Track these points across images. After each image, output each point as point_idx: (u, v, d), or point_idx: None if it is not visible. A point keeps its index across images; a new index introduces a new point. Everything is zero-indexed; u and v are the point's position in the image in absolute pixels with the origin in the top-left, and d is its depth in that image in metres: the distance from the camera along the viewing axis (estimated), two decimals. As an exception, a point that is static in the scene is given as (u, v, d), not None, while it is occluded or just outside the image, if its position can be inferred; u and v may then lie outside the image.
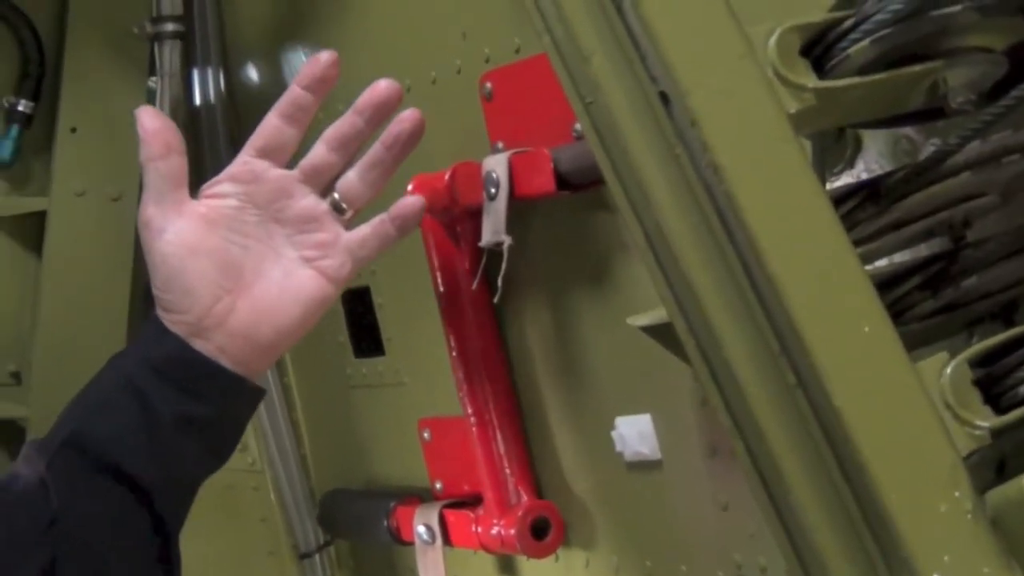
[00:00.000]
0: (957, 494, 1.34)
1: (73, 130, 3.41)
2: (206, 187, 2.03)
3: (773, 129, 1.41)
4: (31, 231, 3.44)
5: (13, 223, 3.42)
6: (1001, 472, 1.40)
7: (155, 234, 1.95)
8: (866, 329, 1.36)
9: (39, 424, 3.30)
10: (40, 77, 3.42)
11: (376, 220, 2.12)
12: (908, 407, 1.35)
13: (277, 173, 2.05)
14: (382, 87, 2.10)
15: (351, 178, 2.10)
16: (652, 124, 1.49)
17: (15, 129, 3.38)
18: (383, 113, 2.11)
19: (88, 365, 3.30)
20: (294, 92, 2.13)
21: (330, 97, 3.30)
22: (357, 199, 2.12)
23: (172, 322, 1.95)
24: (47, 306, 3.36)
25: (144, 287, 3.56)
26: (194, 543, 3.71)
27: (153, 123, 1.96)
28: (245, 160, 2.05)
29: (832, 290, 1.38)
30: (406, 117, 2.10)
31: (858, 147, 2.14)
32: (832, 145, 2.17)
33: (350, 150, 2.12)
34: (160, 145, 1.97)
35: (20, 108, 3.39)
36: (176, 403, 1.91)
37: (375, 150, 2.11)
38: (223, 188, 2.02)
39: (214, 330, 1.95)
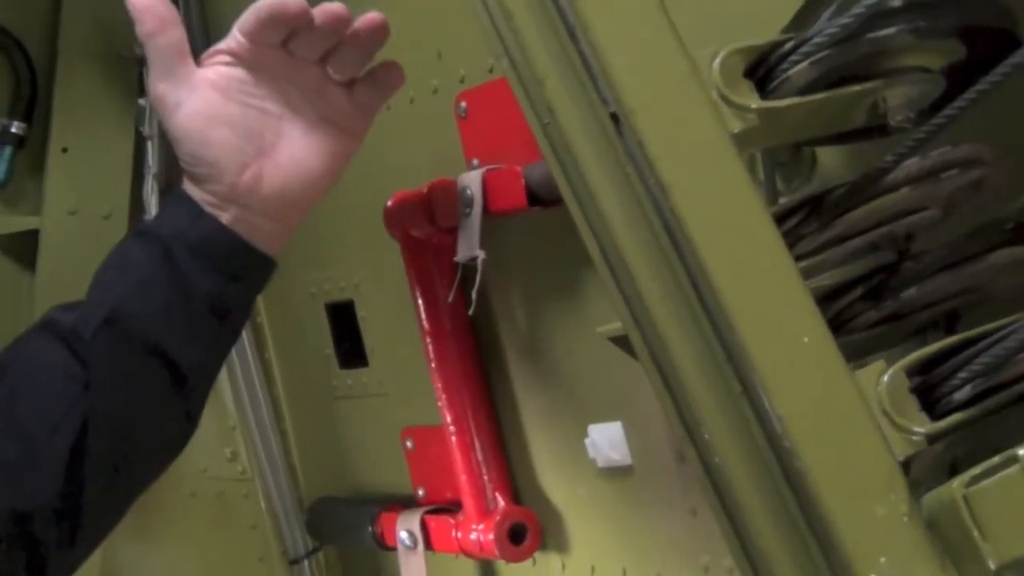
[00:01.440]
0: (894, 498, 1.35)
1: (64, 150, 3.41)
2: (206, 56, 1.94)
3: (717, 148, 1.43)
4: (24, 249, 3.43)
5: (6, 241, 3.42)
6: (953, 475, 1.40)
7: (171, 109, 1.86)
8: (805, 339, 1.37)
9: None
10: (32, 99, 3.42)
11: (372, 72, 2.03)
12: (846, 414, 1.37)
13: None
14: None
15: (341, 53, 2.00)
16: (604, 144, 1.50)
17: (8, 150, 3.37)
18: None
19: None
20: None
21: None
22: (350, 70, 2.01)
23: (205, 192, 1.90)
24: None
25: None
26: (186, 549, 3.76)
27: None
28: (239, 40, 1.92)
29: (772, 302, 1.39)
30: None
31: (814, 163, 2.15)
32: (790, 162, 2.18)
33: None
34: (153, 19, 1.84)
35: (13, 129, 3.38)
36: (212, 283, 1.88)
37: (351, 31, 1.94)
38: (226, 58, 1.93)
39: (248, 195, 1.91)
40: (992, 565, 1.28)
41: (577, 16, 1.48)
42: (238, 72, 1.91)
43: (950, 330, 1.63)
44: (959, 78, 1.55)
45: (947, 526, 1.31)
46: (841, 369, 1.37)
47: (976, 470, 1.30)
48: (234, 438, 3.73)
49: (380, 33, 1.94)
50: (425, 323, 2.92)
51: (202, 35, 3.52)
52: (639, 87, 1.45)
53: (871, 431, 1.37)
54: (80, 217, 3.43)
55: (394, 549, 3.10)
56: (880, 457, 1.36)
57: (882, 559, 1.33)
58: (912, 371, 1.44)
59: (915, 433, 1.40)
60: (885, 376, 1.40)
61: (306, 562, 3.65)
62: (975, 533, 1.28)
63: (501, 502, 2.88)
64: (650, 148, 1.43)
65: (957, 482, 1.30)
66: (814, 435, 1.36)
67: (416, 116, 2.96)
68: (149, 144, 3.48)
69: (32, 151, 3.44)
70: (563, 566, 2.88)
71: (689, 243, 1.42)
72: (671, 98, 1.44)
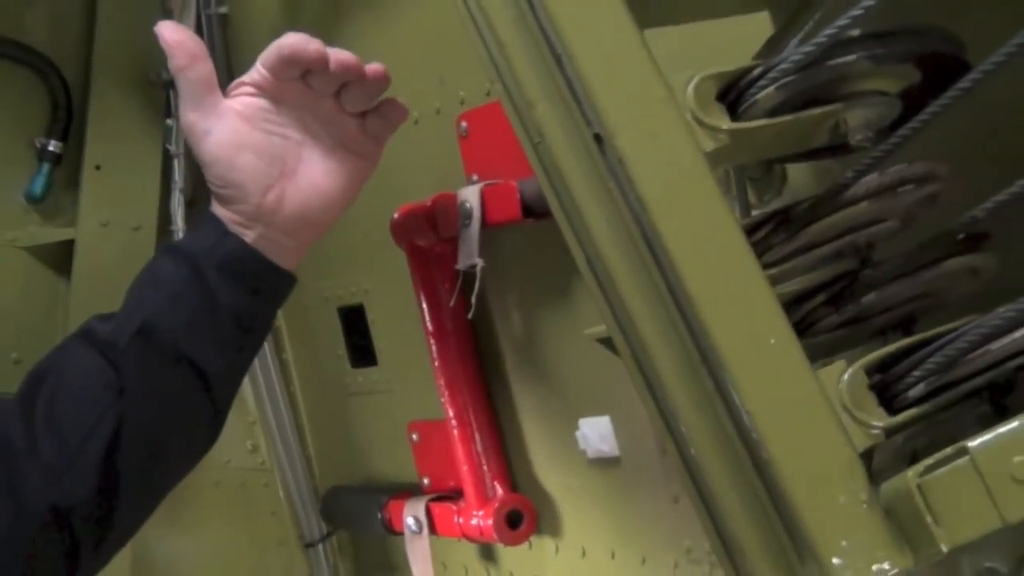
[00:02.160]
0: (853, 486, 1.34)
1: (98, 167, 3.42)
2: (232, 87, 1.96)
3: (691, 166, 1.42)
4: (61, 258, 3.44)
5: (45, 251, 3.42)
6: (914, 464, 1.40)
7: (200, 136, 1.88)
8: (772, 341, 1.37)
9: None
10: (68, 120, 3.43)
11: (380, 106, 2.04)
12: (810, 409, 1.36)
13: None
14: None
15: (350, 91, 2.01)
16: (588, 162, 1.50)
17: (46, 167, 3.39)
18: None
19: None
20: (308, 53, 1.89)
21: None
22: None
23: (231, 212, 1.92)
24: (75, 324, 3.28)
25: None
26: (211, 534, 3.76)
27: (174, 35, 1.86)
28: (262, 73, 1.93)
29: (742, 307, 1.38)
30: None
31: (785, 179, 2.15)
32: (762, 177, 2.19)
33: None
34: (184, 55, 1.87)
35: (50, 148, 3.39)
36: (238, 298, 1.90)
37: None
38: (250, 89, 1.95)
39: (272, 215, 1.92)
40: (944, 548, 1.27)
41: (563, 45, 1.48)
42: (262, 102, 1.93)
43: (907, 332, 1.63)
44: (914, 100, 1.54)
45: (903, 512, 1.30)
46: (805, 368, 1.37)
47: (929, 460, 1.29)
48: (255, 432, 3.74)
49: (383, 81, 1.97)
50: (429, 325, 2.93)
51: (224, 65, 3.59)
52: (620, 110, 1.44)
53: (832, 425, 1.36)
54: (112, 229, 3.44)
55: (401, 534, 3.12)
56: (841, 449, 1.35)
57: (843, 542, 1.33)
58: (871, 370, 1.43)
59: (873, 427, 1.40)
60: (845, 375, 1.40)
61: (321, 546, 3.67)
62: (928, 519, 1.27)
63: (499, 490, 2.90)
64: (630, 166, 1.43)
65: (912, 472, 1.29)
66: (780, 428, 1.36)
67: (420, 135, 2.97)
68: (175, 161, 3.50)
69: (68, 168, 3.45)
70: (556, 549, 2.89)
71: (666, 253, 1.41)
72: (649, 120, 1.43)
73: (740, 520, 1.43)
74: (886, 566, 1.32)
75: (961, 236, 1.55)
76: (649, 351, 1.49)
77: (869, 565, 1.32)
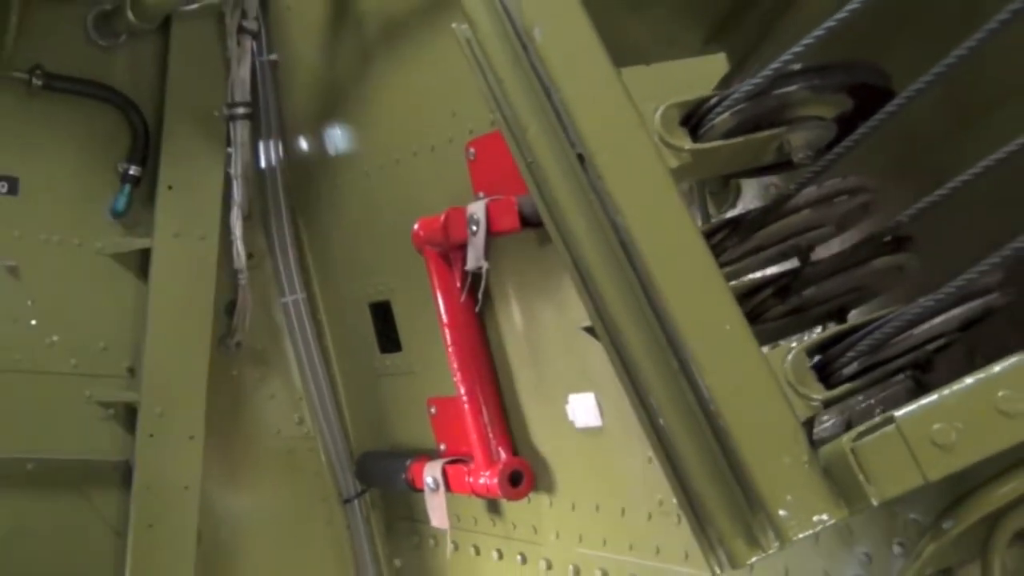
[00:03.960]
0: (797, 449, 1.33)
1: (170, 187, 3.40)
2: None
3: (658, 181, 1.41)
4: (140, 263, 3.42)
5: (127, 258, 3.41)
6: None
7: None
8: (727, 327, 1.36)
9: (147, 405, 3.31)
10: (145, 148, 3.41)
11: None
12: (759, 385, 1.35)
13: None
14: None
15: None
16: (573, 178, 1.49)
17: (127, 188, 3.38)
18: None
19: (182, 363, 3.37)
20: None
21: (356, 161, 3.36)
22: None
23: None
24: (152, 319, 3.34)
25: (226, 304, 3.58)
26: (265, 491, 3.74)
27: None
28: None
29: (702, 299, 1.37)
30: None
31: (738, 192, 2.13)
32: (720, 190, 2.17)
33: None
34: None
35: (131, 172, 3.38)
36: None
37: None
38: None
39: None
40: (875, 502, 1.27)
41: (551, 81, 1.47)
42: None
43: (842, 320, 1.62)
44: (847, 124, 1.53)
45: (839, 472, 1.30)
46: (755, 350, 1.36)
47: (862, 428, 1.29)
48: (301, 407, 3.73)
49: None
50: (444, 317, 2.91)
51: (275, 102, 3.57)
52: (598, 134, 1.44)
53: (778, 398, 1.35)
54: (182, 238, 3.42)
55: (422, 491, 3.11)
56: (786, 418, 1.35)
57: (788, 497, 1.32)
58: (811, 351, 1.43)
59: (813, 399, 1.40)
60: (790, 355, 1.41)
61: (356, 501, 3.65)
62: (861, 477, 1.27)
63: (503, 454, 2.88)
64: (608, 181, 1.43)
65: (846, 438, 1.28)
66: (734, 401, 1.35)
67: (436, 160, 2.97)
68: (235, 182, 3.48)
69: (145, 188, 3.44)
70: (550, 503, 2.87)
71: (638, 255, 1.41)
72: (623, 142, 1.43)
73: (701, 479, 1.42)
74: (824, 517, 1.31)
75: (887, 239, 1.54)
76: (624, 337, 1.47)
77: (810, 516, 1.31)
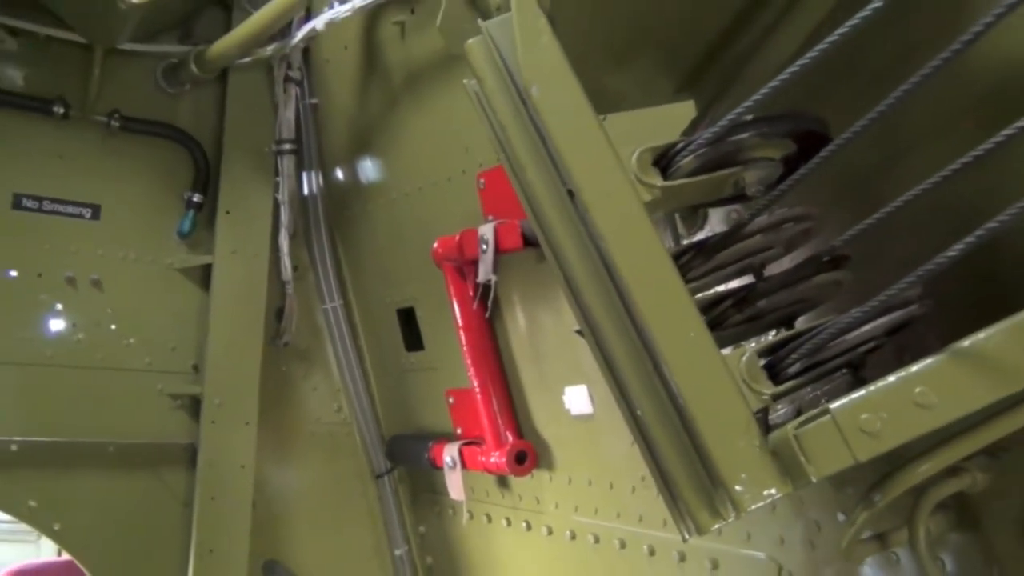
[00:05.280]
0: (750, 435, 1.34)
1: (228, 212, 3.44)
2: None
3: (634, 212, 1.42)
4: (202, 276, 3.46)
5: (192, 272, 3.45)
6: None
7: None
8: (691, 334, 1.37)
9: (209, 396, 3.34)
10: (206, 179, 3.46)
11: None
12: (718, 382, 1.36)
13: None
14: None
15: None
16: (564, 210, 1.50)
17: (191, 212, 3.42)
18: None
19: (239, 360, 3.39)
20: None
21: (384, 189, 3.38)
22: None
23: None
24: (213, 324, 3.38)
25: (275, 310, 3.61)
26: (310, 468, 3.76)
27: None
28: None
29: (670, 310, 1.38)
30: None
31: (705, 217, 2.15)
32: (691, 215, 2.19)
33: None
34: None
35: (194, 199, 3.42)
36: None
37: None
38: None
39: None
40: (814, 479, 1.28)
41: (545, 128, 1.48)
42: None
43: (790, 327, 1.62)
44: (793, 164, 1.54)
45: (785, 454, 1.31)
46: (715, 353, 1.37)
47: (803, 417, 1.30)
48: (339, 397, 3.75)
49: None
50: (459, 321, 2.94)
51: (316, 140, 3.61)
52: (584, 173, 1.45)
53: (734, 392, 1.36)
54: (238, 255, 3.46)
55: (441, 468, 3.14)
56: (741, 409, 1.35)
57: (743, 475, 1.33)
58: (762, 353, 1.43)
59: (763, 394, 1.39)
60: (744, 357, 1.40)
61: (386, 477, 3.67)
62: (802, 458, 1.28)
63: (510, 437, 2.91)
64: (592, 212, 1.43)
65: (790, 426, 1.29)
66: (697, 395, 1.36)
67: (452, 188, 3.00)
68: (282, 207, 3.51)
69: (207, 213, 3.47)
70: (550, 478, 2.90)
71: (617, 273, 1.41)
72: (604, 180, 1.44)
73: (672, 460, 1.43)
74: (773, 491, 1.32)
75: (827, 258, 1.55)
76: (607, 341, 1.48)
77: (761, 491, 1.33)
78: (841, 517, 1.99)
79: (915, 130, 1.66)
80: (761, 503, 1.34)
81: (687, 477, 1.42)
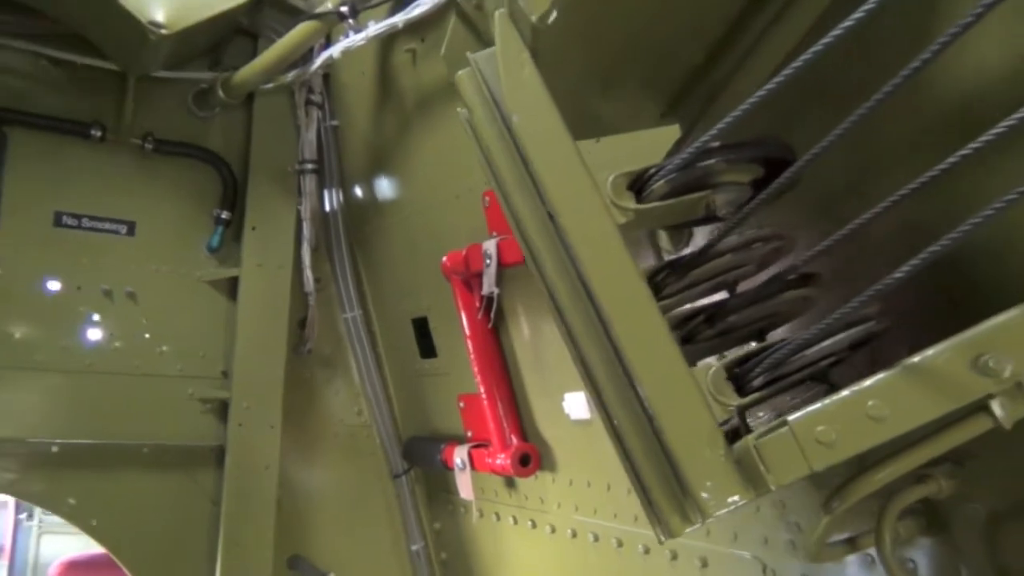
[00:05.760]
0: (716, 445, 1.34)
1: (254, 228, 3.48)
2: None
3: (609, 234, 1.43)
4: (230, 288, 3.49)
5: (220, 284, 3.48)
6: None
7: None
8: (660, 349, 1.37)
9: (236, 400, 3.38)
10: (234, 197, 3.50)
11: None
12: (686, 393, 1.37)
13: None
14: None
15: None
16: (546, 231, 1.51)
17: (220, 228, 3.46)
18: None
19: (264, 367, 3.43)
20: None
21: (399, 206, 3.41)
22: None
23: None
24: (240, 332, 3.42)
25: (299, 319, 3.64)
26: (333, 468, 3.79)
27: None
28: None
29: (641, 326, 1.39)
30: None
31: (691, 235, 2.15)
32: (676, 234, 2.19)
33: None
34: None
35: (223, 216, 3.46)
36: None
37: None
38: None
39: None
40: (772, 487, 1.28)
41: (526, 155, 1.50)
42: None
43: (761, 340, 1.62)
44: (760, 186, 1.54)
45: (746, 463, 1.31)
46: (683, 366, 1.37)
47: (763, 429, 1.30)
48: (359, 401, 3.77)
49: None
50: (467, 331, 2.96)
51: (337, 161, 3.66)
52: (563, 197, 1.46)
53: (702, 404, 1.37)
54: (263, 268, 3.49)
55: (452, 469, 3.16)
56: (707, 420, 1.36)
57: (708, 482, 1.34)
58: (729, 367, 1.43)
59: (729, 406, 1.40)
60: (711, 371, 1.41)
61: (403, 477, 3.69)
62: (762, 468, 1.28)
63: (515, 440, 2.92)
64: (570, 234, 1.45)
65: (751, 437, 1.29)
66: (666, 406, 1.37)
67: (459, 206, 3.01)
68: (304, 223, 3.55)
69: (234, 228, 3.50)
70: (553, 479, 2.90)
71: (593, 291, 1.43)
72: (581, 203, 1.45)
73: (646, 468, 1.44)
74: (736, 498, 1.33)
75: (794, 276, 1.55)
76: (586, 354, 1.49)
77: (725, 497, 1.33)
78: (823, 519, 1.98)
79: (882, 154, 1.66)
80: (725, 509, 1.34)
81: (659, 483, 1.42)
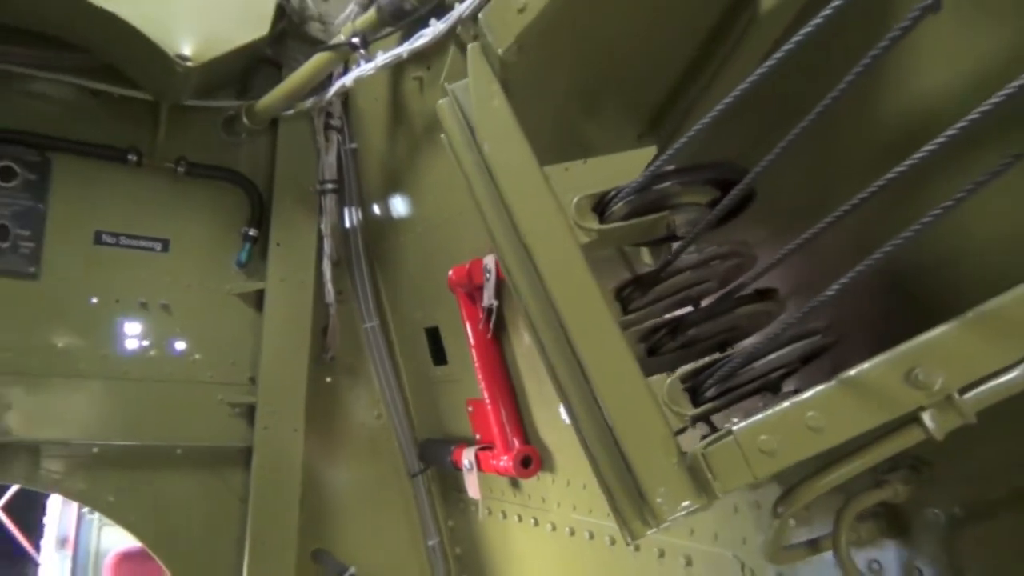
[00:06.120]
0: (670, 452, 1.36)
1: (278, 244, 3.52)
2: None
3: (571, 253, 1.46)
4: (257, 300, 3.53)
5: (248, 296, 3.53)
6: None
7: None
8: (617, 361, 1.39)
9: (263, 405, 3.42)
10: (260, 215, 3.54)
11: None
12: (642, 404, 1.38)
13: None
14: None
15: None
16: (518, 251, 1.54)
17: (248, 245, 3.50)
18: None
19: (288, 373, 3.47)
20: None
21: (412, 223, 3.44)
22: None
23: None
24: (266, 341, 3.46)
25: (322, 328, 3.68)
26: (354, 467, 3.82)
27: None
28: None
29: (600, 340, 1.41)
30: None
31: (670, 248, 2.14)
32: (657, 249, 2.17)
33: None
34: None
35: (250, 233, 3.50)
36: None
37: None
38: None
39: None
40: (719, 494, 1.29)
41: (496, 179, 1.53)
42: None
43: (723, 352, 1.62)
44: (715, 205, 1.54)
45: (697, 471, 1.32)
46: (639, 377, 1.39)
47: (711, 438, 1.31)
48: (379, 405, 3.80)
49: None
50: (471, 340, 2.98)
51: (355, 182, 3.68)
52: (528, 218, 1.49)
53: (657, 414, 1.38)
54: (287, 282, 3.53)
55: (461, 470, 3.18)
56: (662, 429, 1.37)
57: (662, 488, 1.35)
58: (685, 379, 1.44)
59: (684, 415, 1.41)
60: (667, 382, 1.42)
61: (420, 476, 3.71)
62: (709, 475, 1.29)
63: (517, 443, 2.93)
64: (535, 253, 1.47)
65: (699, 445, 1.31)
66: (623, 415, 1.39)
67: (464, 223, 3.03)
68: (326, 239, 3.59)
69: (260, 245, 3.55)
70: (552, 480, 2.91)
71: (557, 307, 1.45)
72: (545, 225, 1.48)
73: (610, 475, 1.45)
74: (688, 503, 1.34)
75: (751, 291, 1.55)
76: (555, 366, 1.51)
77: (678, 503, 1.34)
78: (792, 522, 1.97)
79: (841, 175, 1.66)
80: (678, 514, 1.35)
81: (622, 491, 1.44)
